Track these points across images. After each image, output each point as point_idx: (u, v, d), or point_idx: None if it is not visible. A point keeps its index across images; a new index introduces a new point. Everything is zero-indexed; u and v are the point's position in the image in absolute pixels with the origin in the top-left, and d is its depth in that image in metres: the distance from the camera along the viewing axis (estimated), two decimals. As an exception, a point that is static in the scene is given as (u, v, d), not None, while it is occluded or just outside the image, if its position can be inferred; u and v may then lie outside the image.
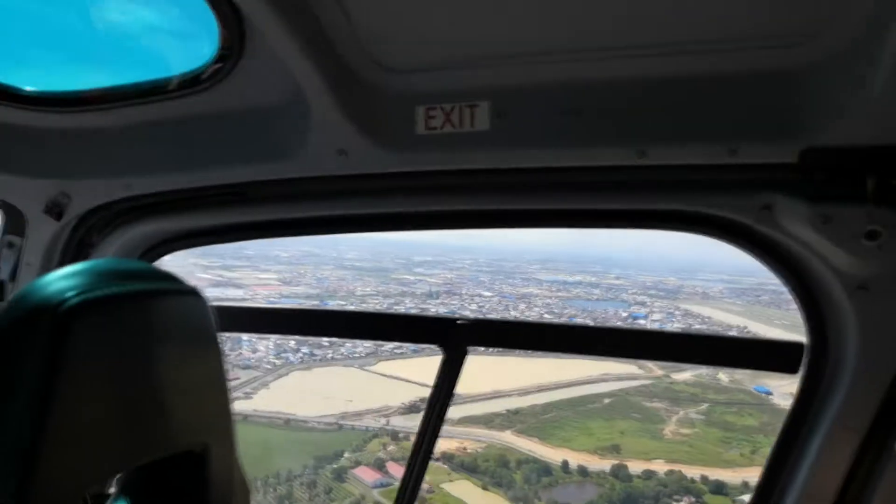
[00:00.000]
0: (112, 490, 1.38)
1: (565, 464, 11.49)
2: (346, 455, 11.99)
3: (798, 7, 1.92)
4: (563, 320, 14.14)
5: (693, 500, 10.70)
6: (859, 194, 2.05)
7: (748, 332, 12.96)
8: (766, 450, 2.62)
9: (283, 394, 13.28)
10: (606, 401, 12.73)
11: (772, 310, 13.79)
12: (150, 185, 2.87)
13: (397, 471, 10.71)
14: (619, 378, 13.06)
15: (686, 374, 12.83)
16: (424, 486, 10.23)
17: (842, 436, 2.37)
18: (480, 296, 16.28)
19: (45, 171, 2.85)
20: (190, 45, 2.59)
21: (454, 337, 2.94)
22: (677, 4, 1.96)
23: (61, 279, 1.09)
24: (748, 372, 12.20)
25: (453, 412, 12.36)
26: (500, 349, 12.95)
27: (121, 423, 1.14)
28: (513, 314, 15.12)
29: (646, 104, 2.21)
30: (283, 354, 14.12)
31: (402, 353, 13.92)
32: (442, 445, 11.71)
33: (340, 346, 14.30)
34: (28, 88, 2.74)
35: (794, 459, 2.52)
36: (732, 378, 12.45)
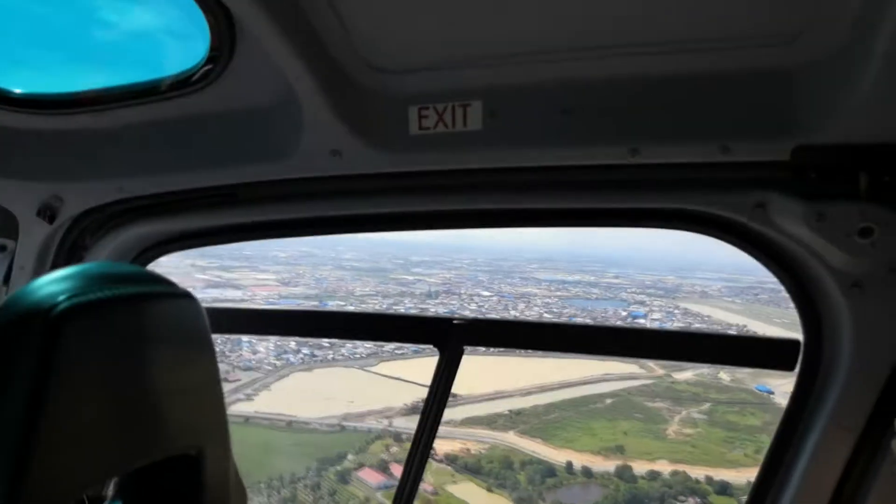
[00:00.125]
0: (108, 493, 1.37)
1: (569, 465, 11.43)
2: (349, 457, 11.91)
3: (789, 6, 1.90)
4: (561, 319, 14.07)
5: (699, 500, 10.65)
6: (852, 192, 2.05)
7: (748, 330, 12.94)
8: (770, 450, 2.63)
9: (285, 395, 13.21)
10: (608, 401, 12.68)
11: (771, 308, 13.79)
12: (143, 187, 2.84)
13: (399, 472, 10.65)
14: (621, 378, 13.03)
15: (687, 373, 12.81)
16: (429, 487, 10.13)
17: (837, 433, 2.36)
18: (479, 295, 16.28)
19: (38, 173, 2.81)
20: (185, 44, 2.52)
21: (451, 337, 2.92)
22: (670, 4, 1.94)
23: (53, 283, 1.08)
24: (749, 371, 12.20)
25: (456, 413, 12.35)
26: (500, 350, 12.97)
27: (115, 427, 1.12)
28: (512, 314, 15.09)
29: (638, 103, 2.19)
30: (283, 356, 14.07)
31: (402, 354, 13.88)
32: (445, 447, 11.67)
33: (341, 346, 14.26)
34: (18, 91, 2.69)
35: (791, 457, 2.51)
36: (734, 377, 12.44)
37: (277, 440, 12.21)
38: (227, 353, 13.99)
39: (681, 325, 14.34)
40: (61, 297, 1.04)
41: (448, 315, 3.34)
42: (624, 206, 2.52)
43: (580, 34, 2.10)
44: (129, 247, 3.09)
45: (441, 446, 11.59)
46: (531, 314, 14.99)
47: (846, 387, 2.32)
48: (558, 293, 16.34)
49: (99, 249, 3.02)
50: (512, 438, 12.08)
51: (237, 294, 16.04)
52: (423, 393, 2.99)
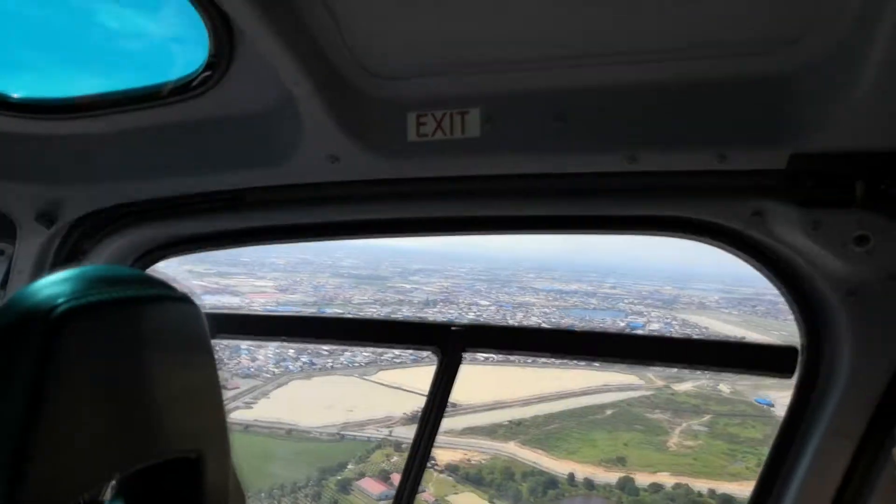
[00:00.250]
0: (107, 496, 1.35)
1: (571, 476, 11.32)
2: (349, 466, 11.78)
3: (785, 13, 1.91)
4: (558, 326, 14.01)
5: (704, 515, 10.60)
6: (848, 200, 2.05)
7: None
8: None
9: (284, 403, 13.09)
10: (609, 412, 12.60)
11: (769, 320, 13.76)
12: (141, 191, 2.85)
13: (403, 483, 10.56)
14: (620, 388, 12.97)
15: (687, 384, 12.77)
16: (430, 497, 10.03)
17: (836, 440, 2.36)
18: (477, 304, 16.19)
19: (37, 177, 2.81)
20: (184, 50, 2.55)
21: (449, 342, 2.92)
22: (666, 11, 1.94)
23: (53, 285, 1.07)
24: (749, 383, 12.18)
25: (456, 422, 12.26)
26: (499, 360, 12.91)
27: (113, 429, 1.11)
28: (511, 323, 15.00)
29: (636, 110, 2.20)
30: (282, 363, 13.95)
31: (401, 363, 13.79)
32: (446, 456, 11.57)
33: (340, 354, 14.15)
34: (17, 95, 2.68)
35: (790, 465, 2.50)
36: (733, 389, 12.39)
37: (277, 448, 12.08)
38: (226, 361, 13.86)
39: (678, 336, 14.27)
40: (61, 300, 1.03)
41: (447, 321, 3.31)
42: (621, 214, 2.52)
43: (578, 41, 2.09)
44: (127, 251, 3.08)
45: (442, 456, 11.50)
46: (529, 323, 14.91)
47: (845, 394, 2.31)
48: (556, 303, 16.28)
49: (97, 254, 3.01)
50: (513, 449, 11.98)
51: (235, 301, 15.91)
52: (423, 402, 2.98)
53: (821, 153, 2.06)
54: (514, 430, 12.48)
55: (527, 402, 12.99)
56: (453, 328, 2.95)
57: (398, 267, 18.14)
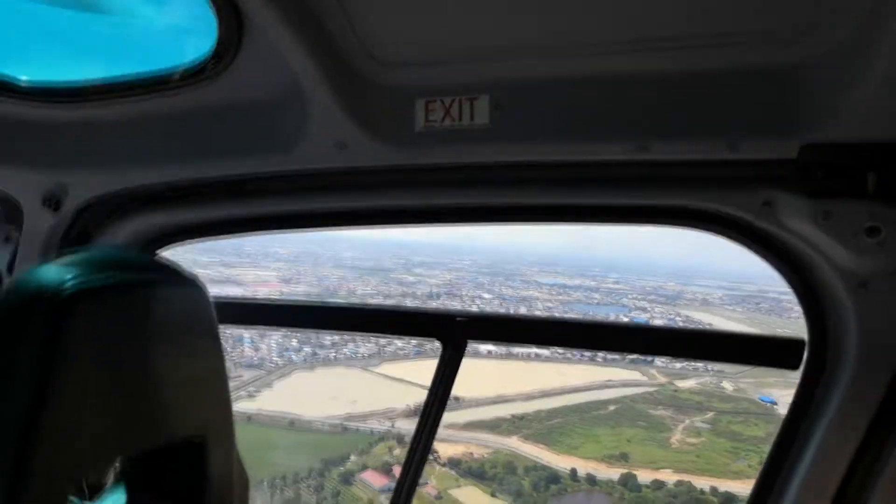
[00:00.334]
0: (109, 480, 1.38)
1: (574, 472, 11.29)
2: (352, 458, 11.76)
3: (798, 1, 1.86)
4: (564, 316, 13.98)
5: (705, 513, 10.56)
6: (860, 190, 2.01)
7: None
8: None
9: (287, 394, 13.08)
10: (611, 407, 12.55)
11: (773, 318, 13.72)
12: (147, 178, 2.82)
13: (405, 476, 10.53)
14: (623, 384, 12.93)
15: (690, 381, 12.73)
16: (433, 491, 9.99)
17: (842, 433, 2.31)
18: (481, 298, 16.17)
19: (43, 162, 2.78)
20: (189, 40, 2.50)
21: (453, 332, 2.88)
22: (678, 0, 1.91)
23: (59, 268, 1.07)
24: (752, 380, 12.14)
25: (458, 416, 12.23)
26: (502, 355, 12.89)
27: (118, 411, 1.12)
28: (518, 314, 14.96)
29: (646, 99, 2.16)
30: (285, 353, 13.93)
31: (405, 355, 13.78)
32: (448, 450, 11.55)
33: (343, 346, 14.15)
34: (24, 80, 2.65)
35: (794, 457, 2.45)
36: (736, 387, 12.35)
37: (280, 439, 12.07)
38: (229, 350, 13.82)
39: (683, 332, 14.20)
40: (68, 282, 1.04)
41: (451, 311, 3.27)
42: (630, 203, 2.48)
43: (588, 29, 2.06)
44: (133, 238, 3.05)
45: (444, 449, 11.48)
46: (537, 314, 14.88)
47: (851, 386, 2.27)
48: (559, 297, 16.25)
49: (104, 240, 2.98)
50: (515, 443, 11.94)
51: (238, 291, 15.89)
52: (425, 395, 2.92)
53: (833, 143, 2.02)
54: (516, 424, 12.43)
55: (529, 397, 12.95)
56: (457, 318, 2.90)
57: (401, 259, 18.13)
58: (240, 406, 12.44)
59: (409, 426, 12.01)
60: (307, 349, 13.96)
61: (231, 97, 2.51)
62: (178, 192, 2.86)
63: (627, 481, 11.00)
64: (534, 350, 12.96)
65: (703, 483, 10.70)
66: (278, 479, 11.31)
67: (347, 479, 11.36)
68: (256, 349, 13.98)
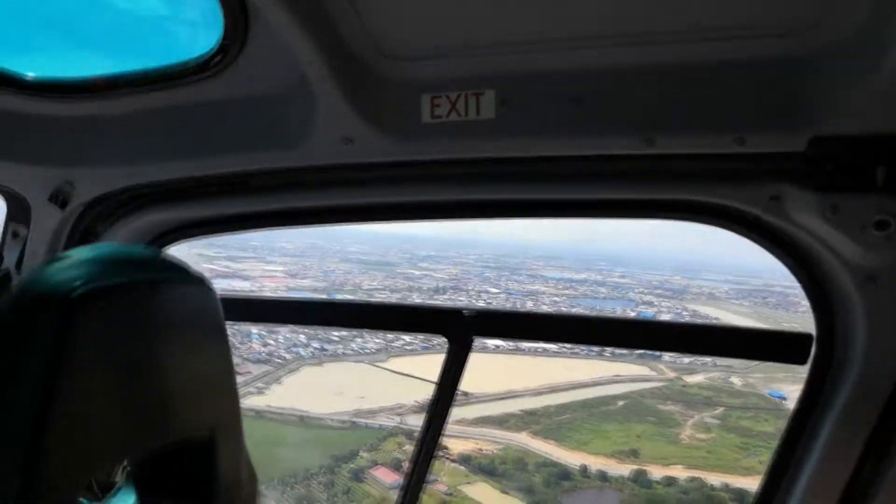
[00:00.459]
0: (118, 478, 1.41)
1: (584, 468, 11.20)
2: (362, 454, 11.67)
3: None
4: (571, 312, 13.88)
5: (719, 509, 10.49)
6: (868, 184, 2.01)
7: (758, 334, 12.75)
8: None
9: (296, 389, 13.01)
10: (620, 403, 12.45)
11: (780, 312, 13.61)
12: (154, 173, 2.84)
13: (416, 473, 10.48)
14: (632, 380, 12.82)
15: (699, 376, 12.63)
16: (443, 487, 9.96)
17: (849, 427, 2.33)
18: (487, 292, 16.06)
19: (50, 159, 2.77)
20: (196, 33, 2.51)
21: (460, 327, 2.90)
22: None
23: (70, 267, 1.08)
24: (761, 376, 12.05)
25: (467, 412, 12.16)
26: (510, 350, 12.81)
27: (127, 410, 1.12)
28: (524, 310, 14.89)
29: (653, 93, 2.17)
30: (293, 349, 13.86)
31: (412, 350, 13.69)
32: (458, 446, 11.48)
33: (351, 341, 14.06)
34: (31, 75, 2.63)
35: (802, 451, 2.47)
36: (745, 382, 12.26)
37: (290, 436, 12.00)
38: (238, 345, 13.82)
39: (690, 327, 14.12)
40: (78, 282, 1.03)
41: (457, 306, 3.26)
42: (637, 197, 2.49)
43: (594, 23, 2.07)
44: (140, 234, 3.07)
45: (455, 446, 11.42)
46: (543, 310, 14.79)
47: (859, 381, 2.27)
48: (566, 291, 16.13)
49: (110, 236, 3.00)
50: (525, 439, 11.86)
51: (245, 285, 15.84)
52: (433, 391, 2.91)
53: (841, 136, 2.02)
54: (525, 420, 12.34)
55: (538, 393, 12.85)
56: (464, 313, 2.91)
57: (406, 253, 18.01)
58: (249, 402, 12.41)
59: (417, 422, 11.90)
60: (315, 344, 13.87)
61: (237, 92, 2.51)
62: (184, 188, 2.85)
63: (638, 477, 10.91)
64: (541, 345, 12.86)
65: (714, 479, 10.61)
66: (289, 476, 11.26)
67: (358, 475, 11.29)
68: (265, 344, 13.91)
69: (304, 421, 12.38)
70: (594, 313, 12.64)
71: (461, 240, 19.26)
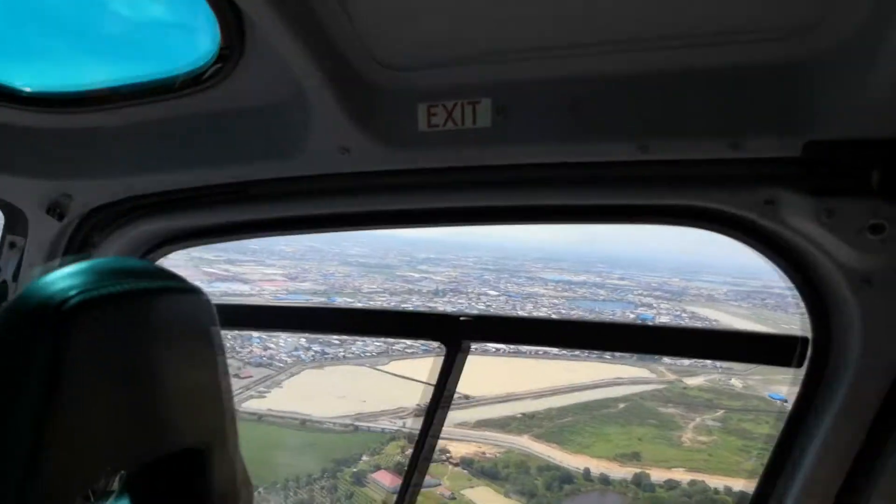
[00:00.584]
0: (114, 488, 1.36)
1: (587, 471, 11.13)
2: (364, 458, 11.61)
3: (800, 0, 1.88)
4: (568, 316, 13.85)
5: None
6: (863, 188, 2.02)
7: (758, 336, 12.69)
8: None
9: (297, 393, 12.94)
10: (621, 405, 12.38)
11: (779, 314, 13.53)
12: (151, 184, 2.84)
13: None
14: (632, 382, 12.77)
15: (699, 378, 12.57)
16: (446, 491, 9.90)
17: (845, 429, 2.33)
18: (487, 294, 16.01)
19: (47, 171, 2.76)
20: (196, 38, 2.48)
21: (456, 333, 2.90)
22: None
23: (65, 278, 1.06)
24: (760, 378, 11.99)
25: (469, 415, 12.10)
26: (510, 352, 12.75)
27: (122, 421, 1.11)
28: (520, 314, 14.83)
29: (647, 98, 2.17)
30: (294, 353, 13.79)
31: (413, 353, 13.61)
32: (461, 450, 11.42)
33: (351, 344, 13.99)
34: (27, 89, 2.62)
35: (798, 453, 2.47)
36: (745, 384, 12.20)
37: (291, 439, 11.93)
38: (238, 349, 13.77)
39: (689, 328, 14.09)
40: (73, 292, 1.02)
41: (453, 312, 3.26)
42: (633, 203, 2.49)
43: (589, 30, 2.07)
44: (138, 244, 3.07)
45: (457, 449, 11.35)
46: (539, 314, 14.74)
47: (854, 383, 2.28)
48: (565, 294, 16.10)
49: (108, 247, 3.00)
50: (526, 442, 11.79)
51: (245, 288, 15.81)
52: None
53: (836, 140, 2.02)
54: (527, 423, 12.27)
55: (539, 395, 12.80)
56: (461, 318, 2.91)
57: (405, 256, 17.98)
58: (250, 405, 12.34)
59: (420, 425, 11.85)
60: (316, 347, 13.81)
61: (234, 103, 2.51)
62: (181, 198, 2.85)
63: (641, 481, 10.83)
64: (541, 347, 12.83)
65: (716, 482, 10.53)
66: (291, 480, 11.17)
67: (360, 479, 11.20)
68: (265, 348, 13.85)
69: (305, 425, 12.30)
70: (589, 317, 12.63)
71: (460, 242, 19.23)
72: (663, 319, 14.34)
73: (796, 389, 2.52)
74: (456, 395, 3.04)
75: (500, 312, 14.03)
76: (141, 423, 1.15)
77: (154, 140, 2.71)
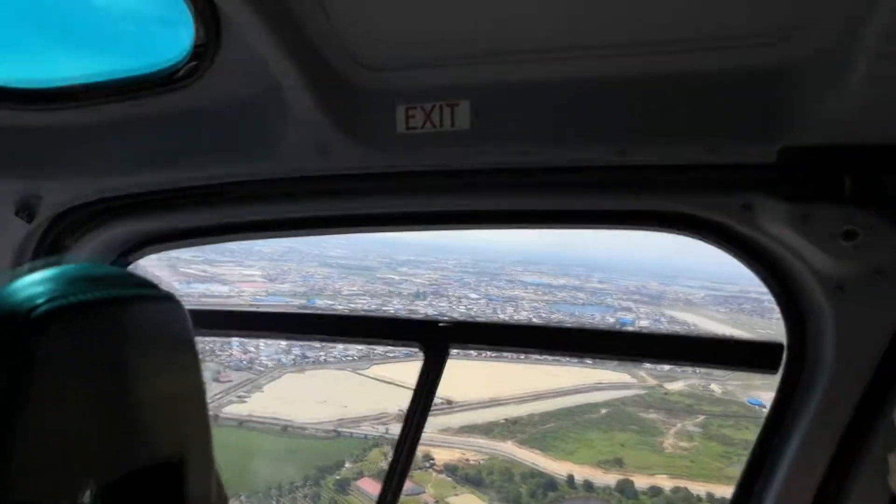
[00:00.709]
0: (85, 502, 1.25)
1: (571, 478, 11.08)
2: (347, 465, 11.43)
3: (777, 7, 1.89)
4: (545, 322, 13.83)
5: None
6: (837, 194, 2.04)
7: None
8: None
9: (278, 397, 12.74)
10: (603, 411, 12.36)
11: (755, 318, 13.66)
12: (125, 185, 2.76)
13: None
14: (613, 387, 12.77)
15: (679, 383, 12.62)
16: (431, 500, 9.81)
17: (820, 434, 2.34)
18: (467, 297, 15.96)
19: (15, 170, 2.72)
20: (174, 31, 2.41)
21: (436, 338, 2.87)
22: (655, 4, 1.91)
23: (32, 285, 1.01)
24: (739, 383, 12.07)
25: (452, 420, 12.01)
26: (491, 356, 12.68)
27: (95, 433, 1.06)
28: (501, 317, 14.81)
29: (626, 103, 2.17)
30: (275, 356, 13.59)
31: (394, 357, 13.50)
32: (444, 456, 11.33)
33: (332, 348, 13.84)
34: None
35: (774, 458, 2.48)
36: (725, 389, 12.27)
37: (273, 446, 11.72)
38: (218, 352, 13.55)
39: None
40: (41, 300, 0.98)
41: (434, 317, 3.21)
42: (611, 208, 2.49)
43: (568, 34, 2.06)
44: (111, 246, 2.99)
45: (440, 455, 11.26)
46: (520, 318, 14.73)
47: (829, 388, 2.29)
48: (545, 297, 16.09)
49: (79, 248, 2.91)
50: (510, 448, 11.72)
51: (224, 289, 15.57)
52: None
53: (811, 147, 2.04)
54: (510, 428, 12.20)
55: (522, 400, 12.75)
56: (440, 324, 2.89)
57: (385, 258, 17.84)
58: (231, 410, 12.12)
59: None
60: (296, 351, 13.63)
61: (210, 101, 2.45)
62: (156, 199, 2.77)
63: (624, 488, 10.80)
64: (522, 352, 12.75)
65: (699, 489, 10.57)
66: (274, 488, 10.97)
67: (343, 487, 11.02)
68: (245, 351, 13.64)
69: (286, 430, 12.10)
70: (567, 323, 12.63)
71: (440, 244, 19.15)
72: (643, 323, 14.38)
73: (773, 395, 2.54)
74: (439, 401, 3.05)
75: (481, 318, 14.05)
76: (113, 436, 1.10)
77: (127, 139, 2.63)
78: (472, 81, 2.24)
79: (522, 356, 13.27)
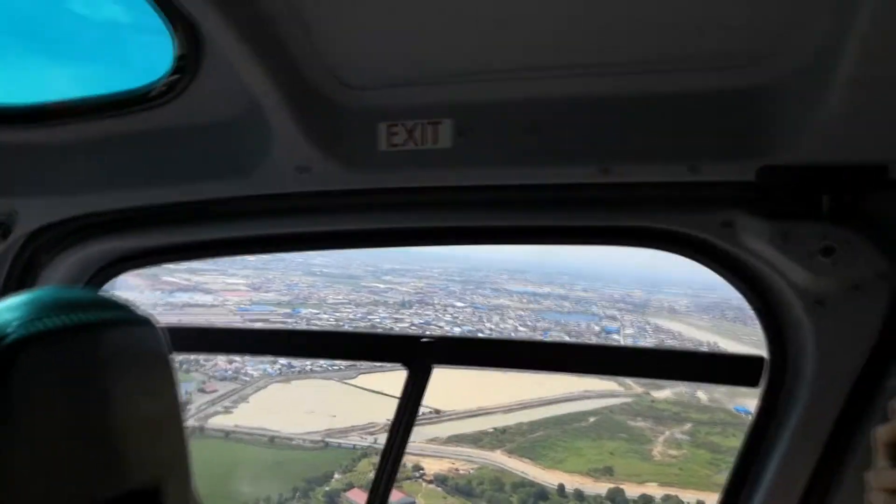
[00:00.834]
0: None
1: (561, 487, 10.98)
2: (336, 476, 11.24)
3: (755, 27, 1.90)
4: (531, 336, 13.76)
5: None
6: (815, 212, 2.07)
7: (720, 348, 12.81)
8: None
9: (264, 408, 12.55)
10: (591, 419, 12.32)
11: (738, 326, 13.70)
12: (103, 202, 2.71)
13: (394, 495, 10.11)
14: (601, 395, 12.73)
15: (666, 391, 12.62)
16: (421, 511, 9.53)
17: (801, 448, 2.34)
18: (453, 306, 15.88)
19: None
20: (156, 40, 2.31)
21: (418, 355, 2.85)
22: (637, 24, 1.91)
23: (4, 310, 0.99)
24: (725, 391, 12.09)
25: (440, 430, 11.88)
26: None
27: (71, 461, 1.03)
28: (487, 325, 14.76)
29: (608, 122, 2.18)
30: (260, 366, 13.40)
31: (381, 367, 13.34)
32: (434, 466, 11.19)
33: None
34: None
35: (756, 471, 2.48)
36: (711, 397, 12.29)
37: (260, 457, 11.50)
38: (203, 362, 13.34)
39: (654, 341, 14.23)
40: (11, 328, 0.96)
41: (416, 333, 3.16)
42: (593, 225, 2.49)
43: (551, 54, 2.07)
44: (88, 264, 2.94)
45: (430, 465, 11.12)
46: (506, 326, 14.68)
47: (810, 401, 2.31)
48: (531, 306, 16.08)
49: (55, 267, 2.85)
50: (500, 458, 11.60)
51: (207, 299, 15.36)
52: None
53: (789, 165, 2.06)
54: (499, 438, 12.10)
55: (510, 409, 12.66)
56: (422, 340, 2.87)
57: (370, 266, 17.73)
58: (216, 421, 11.91)
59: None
60: (282, 360, 13.45)
61: (190, 119, 2.42)
62: (134, 217, 2.73)
63: (615, 497, 10.71)
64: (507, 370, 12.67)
65: (689, 496, 10.54)
66: (262, 501, 10.75)
67: (333, 499, 10.85)
68: (230, 361, 13.43)
69: (273, 441, 11.90)
70: (550, 340, 12.61)
71: (424, 253, 19.11)
72: (628, 332, 14.41)
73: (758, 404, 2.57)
74: (427, 410, 3.01)
75: (473, 328, 14.00)
76: (89, 463, 1.07)
77: (106, 156, 2.57)
78: (454, 100, 2.24)
79: (509, 364, 13.19)
